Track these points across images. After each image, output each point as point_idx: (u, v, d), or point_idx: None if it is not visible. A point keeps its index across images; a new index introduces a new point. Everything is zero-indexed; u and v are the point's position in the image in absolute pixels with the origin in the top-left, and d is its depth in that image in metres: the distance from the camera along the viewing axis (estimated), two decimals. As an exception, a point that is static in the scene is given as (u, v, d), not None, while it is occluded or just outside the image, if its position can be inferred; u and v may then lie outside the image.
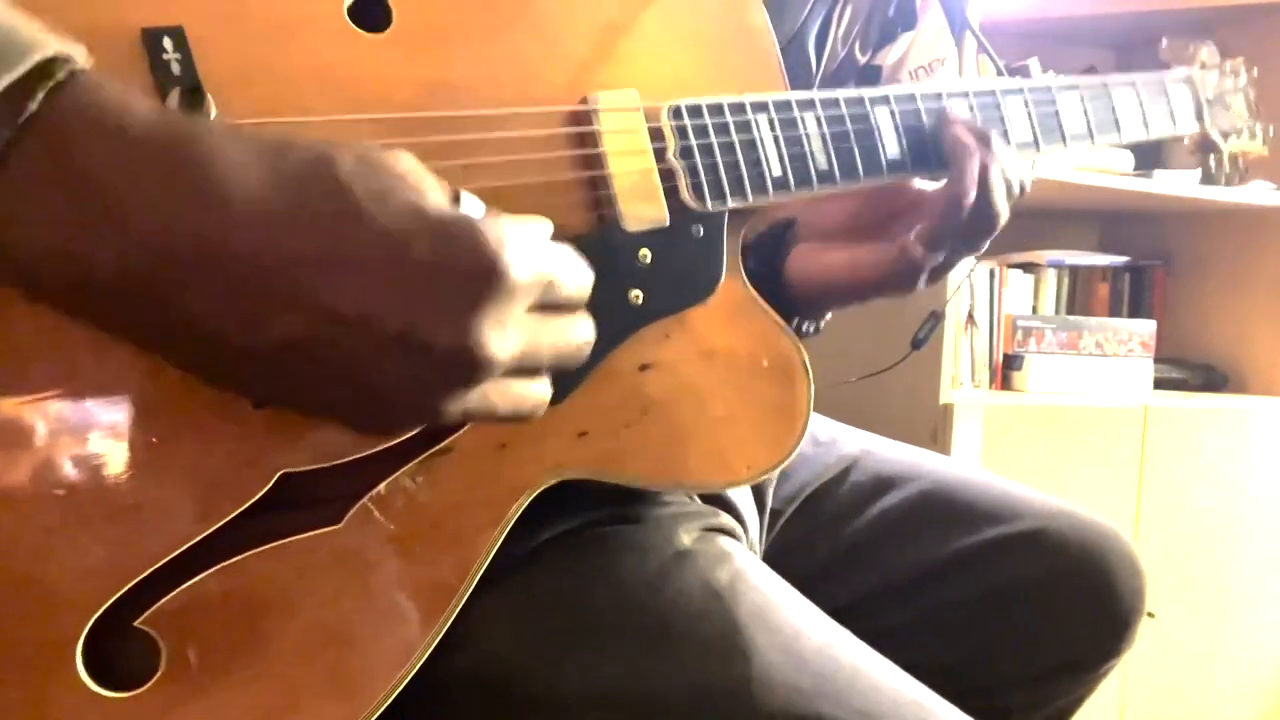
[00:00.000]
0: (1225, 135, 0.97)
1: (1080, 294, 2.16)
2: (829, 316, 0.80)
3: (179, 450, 0.43)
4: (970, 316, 1.86)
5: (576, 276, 0.45)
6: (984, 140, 0.69)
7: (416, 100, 0.50)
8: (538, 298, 0.42)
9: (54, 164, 0.36)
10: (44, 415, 0.41)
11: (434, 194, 0.40)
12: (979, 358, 1.89)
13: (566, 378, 0.50)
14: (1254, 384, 2.07)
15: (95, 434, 0.42)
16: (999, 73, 0.90)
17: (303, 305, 0.37)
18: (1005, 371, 1.90)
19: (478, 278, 0.39)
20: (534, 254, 0.41)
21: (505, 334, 0.40)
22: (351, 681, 0.46)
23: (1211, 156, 0.99)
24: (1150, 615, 0.80)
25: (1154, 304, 2.20)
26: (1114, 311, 2.16)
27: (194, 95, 0.44)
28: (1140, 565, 0.80)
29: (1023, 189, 0.72)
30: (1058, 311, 2.08)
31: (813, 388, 0.60)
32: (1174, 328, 2.15)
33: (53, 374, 0.41)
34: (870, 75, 0.96)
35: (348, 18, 0.49)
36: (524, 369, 0.43)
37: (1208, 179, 1.00)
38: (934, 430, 1.65)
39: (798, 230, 0.77)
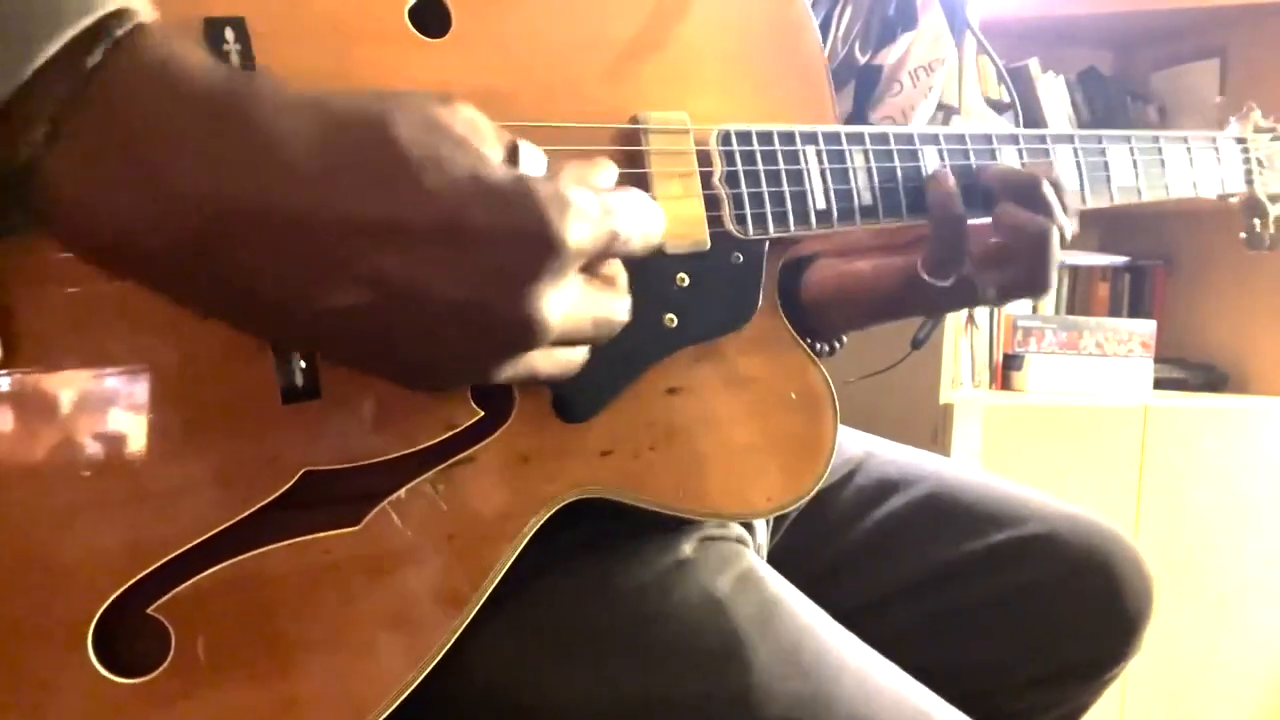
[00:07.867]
0: (1273, 200, 0.94)
1: (1080, 294, 2.17)
2: (845, 339, 0.79)
3: (203, 441, 0.44)
4: (970, 316, 1.86)
5: (644, 226, 0.43)
6: (1047, 210, 0.67)
7: None
8: (597, 255, 0.41)
9: (108, 123, 0.35)
10: (73, 397, 0.42)
11: (492, 153, 0.39)
12: (979, 358, 1.89)
13: (596, 399, 0.51)
14: (1254, 384, 2.07)
15: (122, 419, 0.43)
16: (999, 72, 0.90)
17: (360, 273, 0.37)
18: (1005, 371, 1.90)
19: (537, 246, 0.38)
20: (593, 214, 0.40)
21: (560, 302, 0.40)
22: (356, 686, 0.46)
23: (1256, 220, 0.96)
24: (1151, 616, 0.80)
25: (1154, 304, 2.19)
26: (1114, 311, 2.16)
27: None
28: (1147, 569, 0.79)
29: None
30: (1058, 311, 2.08)
31: (839, 426, 0.60)
32: (1174, 328, 2.15)
33: (84, 357, 0.42)
34: (870, 75, 0.96)
35: (408, 21, 0.49)
36: (566, 339, 0.42)
37: (1253, 243, 0.97)
38: (934, 430, 1.65)
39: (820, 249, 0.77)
